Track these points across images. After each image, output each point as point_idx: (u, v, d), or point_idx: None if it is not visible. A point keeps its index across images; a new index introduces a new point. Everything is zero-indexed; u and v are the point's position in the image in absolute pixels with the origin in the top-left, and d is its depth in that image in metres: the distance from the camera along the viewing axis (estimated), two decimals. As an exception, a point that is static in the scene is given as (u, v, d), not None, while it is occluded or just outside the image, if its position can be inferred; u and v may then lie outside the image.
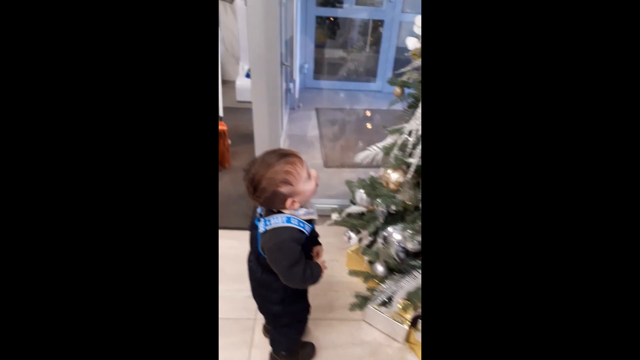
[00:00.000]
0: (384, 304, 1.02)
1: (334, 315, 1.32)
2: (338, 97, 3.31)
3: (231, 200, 1.89)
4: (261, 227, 0.85)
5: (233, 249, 1.48)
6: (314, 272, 0.89)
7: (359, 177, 1.16)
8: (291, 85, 2.78)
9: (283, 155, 0.81)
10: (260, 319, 1.26)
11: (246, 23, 1.39)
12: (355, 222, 1.16)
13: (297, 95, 3.03)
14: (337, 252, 1.56)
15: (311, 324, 1.27)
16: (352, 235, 1.19)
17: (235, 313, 1.31)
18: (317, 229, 0.98)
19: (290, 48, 2.58)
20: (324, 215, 1.26)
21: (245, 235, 0.97)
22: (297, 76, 2.97)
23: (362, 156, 1.04)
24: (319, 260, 0.94)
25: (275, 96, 1.41)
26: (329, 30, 3.25)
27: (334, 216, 1.20)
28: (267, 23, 1.26)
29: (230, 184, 2.02)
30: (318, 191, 0.88)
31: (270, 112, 1.44)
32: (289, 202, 0.82)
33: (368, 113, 3.00)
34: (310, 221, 0.88)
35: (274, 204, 0.83)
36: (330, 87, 3.38)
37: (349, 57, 3.35)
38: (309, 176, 0.85)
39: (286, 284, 0.87)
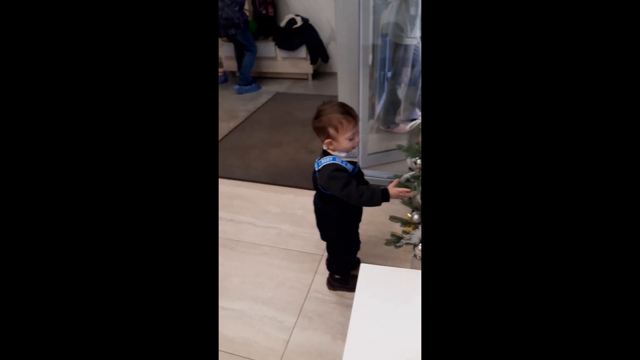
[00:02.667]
0: (413, 245, 1.21)
1: (385, 262, 1.56)
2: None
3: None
4: (316, 167, 1.17)
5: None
6: (372, 189, 1.11)
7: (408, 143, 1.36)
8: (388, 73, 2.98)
9: (347, 112, 1.11)
10: (326, 255, 1.59)
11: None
12: (408, 183, 1.36)
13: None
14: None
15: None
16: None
17: (308, 249, 1.66)
18: None
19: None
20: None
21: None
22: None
23: (410, 124, 1.24)
24: (396, 189, 1.13)
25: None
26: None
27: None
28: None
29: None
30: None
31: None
32: (327, 140, 1.12)
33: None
34: (353, 164, 1.16)
35: (319, 134, 1.14)
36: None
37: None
38: (353, 138, 1.12)
39: (350, 202, 1.11)
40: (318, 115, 1.12)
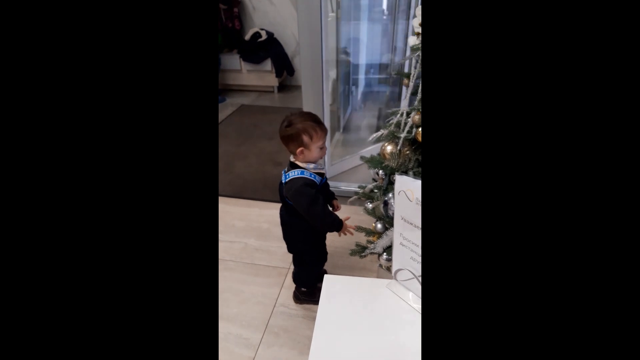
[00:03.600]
0: (377, 255, 1.23)
1: (351, 273, 1.56)
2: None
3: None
4: (283, 179, 1.16)
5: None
6: (334, 217, 1.17)
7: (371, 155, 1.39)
8: (353, 88, 3.07)
9: (319, 122, 1.13)
10: (292, 269, 1.57)
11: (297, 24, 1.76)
12: (372, 194, 1.39)
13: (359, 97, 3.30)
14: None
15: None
16: (369, 204, 1.42)
17: (274, 263, 1.64)
18: (344, 209, 1.33)
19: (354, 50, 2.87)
20: (346, 197, 1.52)
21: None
22: (361, 78, 3.24)
23: (373, 136, 1.28)
24: (342, 217, 1.22)
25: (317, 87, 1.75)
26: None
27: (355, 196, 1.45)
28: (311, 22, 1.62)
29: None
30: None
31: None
32: (299, 149, 1.11)
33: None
34: (320, 175, 1.16)
35: (290, 142, 1.12)
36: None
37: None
38: (323, 147, 1.13)
39: (311, 222, 1.16)
40: (290, 124, 1.11)
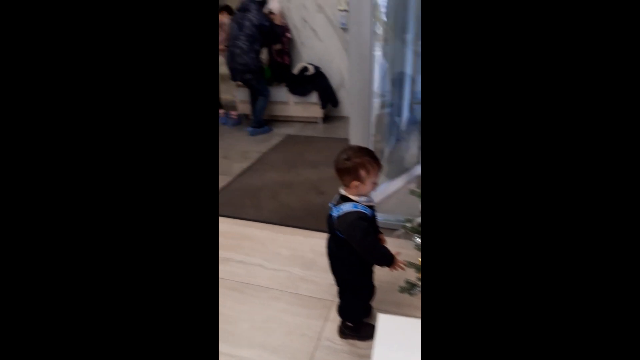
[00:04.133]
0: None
1: (399, 310, 1.50)
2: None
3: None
4: (335, 213, 1.17)
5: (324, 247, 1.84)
6: (386, 251, 1.17)
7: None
8: (396, 118, 3.07)
9: (375, 158, 1.16)
10: (337, 301, 1.54)
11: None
12: (420, 228, 1.35)
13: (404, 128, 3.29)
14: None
15: (376, 311, 1.48)
16: (417, 239, 1.38)
17: (319, 294, 1.62)
18: (390, 242, 1.31)
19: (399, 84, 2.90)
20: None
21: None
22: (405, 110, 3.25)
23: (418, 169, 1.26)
24: (400, 260, 1.21)
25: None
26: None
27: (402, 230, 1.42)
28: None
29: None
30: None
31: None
32: (355, 182, 1.13)
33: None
34: (371, 207, 1.17)
35: (346, 175, 1.14)
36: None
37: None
38: (375, 183, 1.15)
39: (363, 255, 1.16)
40: (349, 158, 1.13)
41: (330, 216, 1.22)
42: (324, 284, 1.65)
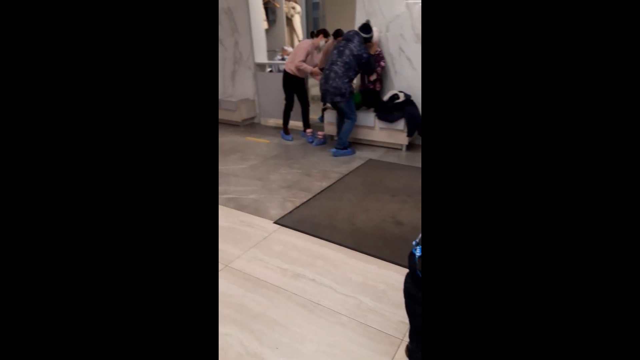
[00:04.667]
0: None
1: None
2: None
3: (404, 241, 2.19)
4: (418, 253, 1.14)
5: (399, 282, 1.79)
6: None
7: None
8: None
9: None
10: (406, 340, 1.47)
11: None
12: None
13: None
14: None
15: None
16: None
17: (387, 329, 1.57)
18: None
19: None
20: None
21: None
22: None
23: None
24: None
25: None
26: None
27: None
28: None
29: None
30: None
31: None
32: None
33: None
34: None
35: None
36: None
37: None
38: None
39: None
40: None
41: (412, 254, 1.19)
42: (394, 320, 1.60)
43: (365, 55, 3.41)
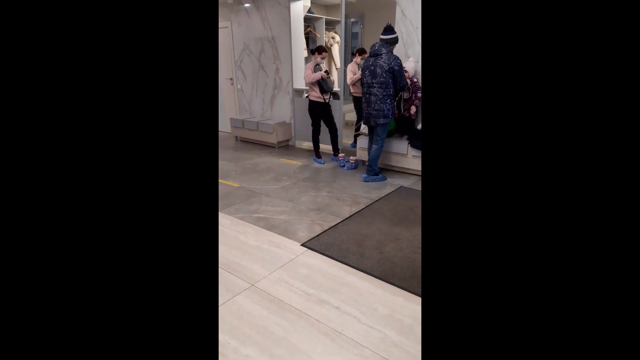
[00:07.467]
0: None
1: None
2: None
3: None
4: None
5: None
6: None
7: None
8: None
9: None
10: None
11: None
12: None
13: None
14: None
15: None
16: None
17: (413, 368, 1.50)
18: None
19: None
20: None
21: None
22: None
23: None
24: None
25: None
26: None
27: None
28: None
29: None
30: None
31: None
32: None
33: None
34: None
35: None
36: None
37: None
38: None
39: None
40: None
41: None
42: (419, 358, 1.53)
43: (396, 67, 3.33)
